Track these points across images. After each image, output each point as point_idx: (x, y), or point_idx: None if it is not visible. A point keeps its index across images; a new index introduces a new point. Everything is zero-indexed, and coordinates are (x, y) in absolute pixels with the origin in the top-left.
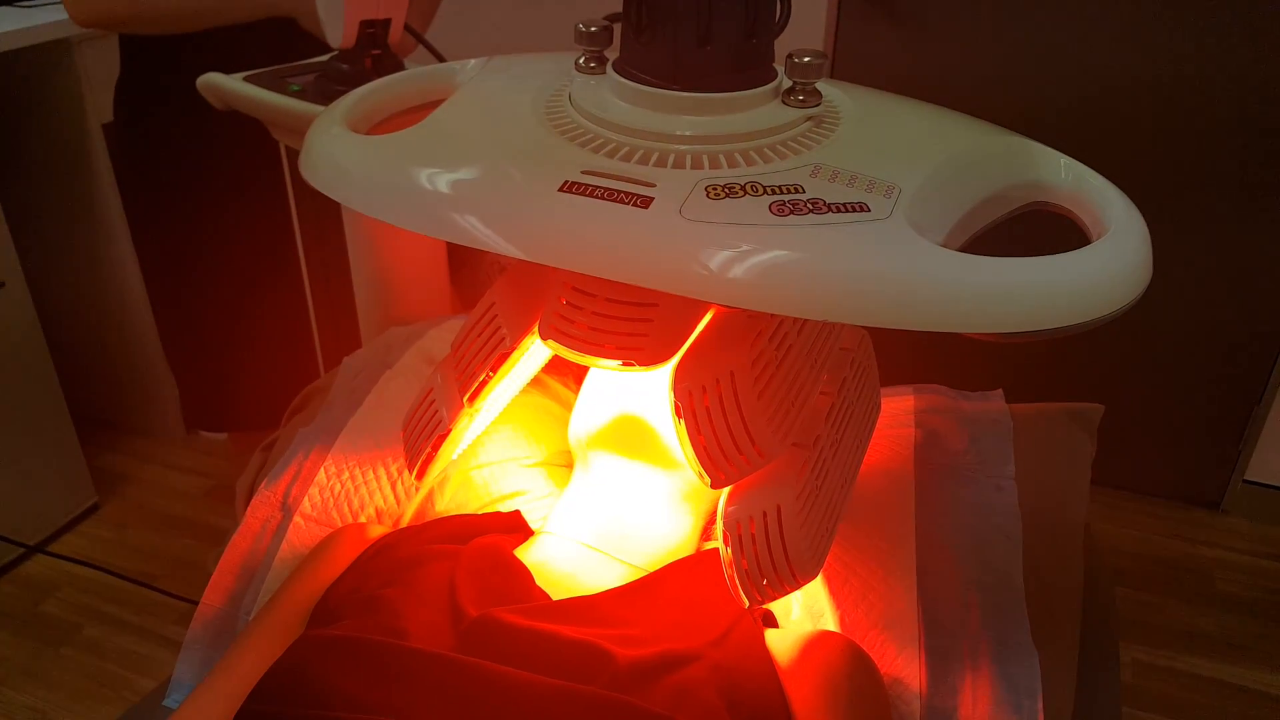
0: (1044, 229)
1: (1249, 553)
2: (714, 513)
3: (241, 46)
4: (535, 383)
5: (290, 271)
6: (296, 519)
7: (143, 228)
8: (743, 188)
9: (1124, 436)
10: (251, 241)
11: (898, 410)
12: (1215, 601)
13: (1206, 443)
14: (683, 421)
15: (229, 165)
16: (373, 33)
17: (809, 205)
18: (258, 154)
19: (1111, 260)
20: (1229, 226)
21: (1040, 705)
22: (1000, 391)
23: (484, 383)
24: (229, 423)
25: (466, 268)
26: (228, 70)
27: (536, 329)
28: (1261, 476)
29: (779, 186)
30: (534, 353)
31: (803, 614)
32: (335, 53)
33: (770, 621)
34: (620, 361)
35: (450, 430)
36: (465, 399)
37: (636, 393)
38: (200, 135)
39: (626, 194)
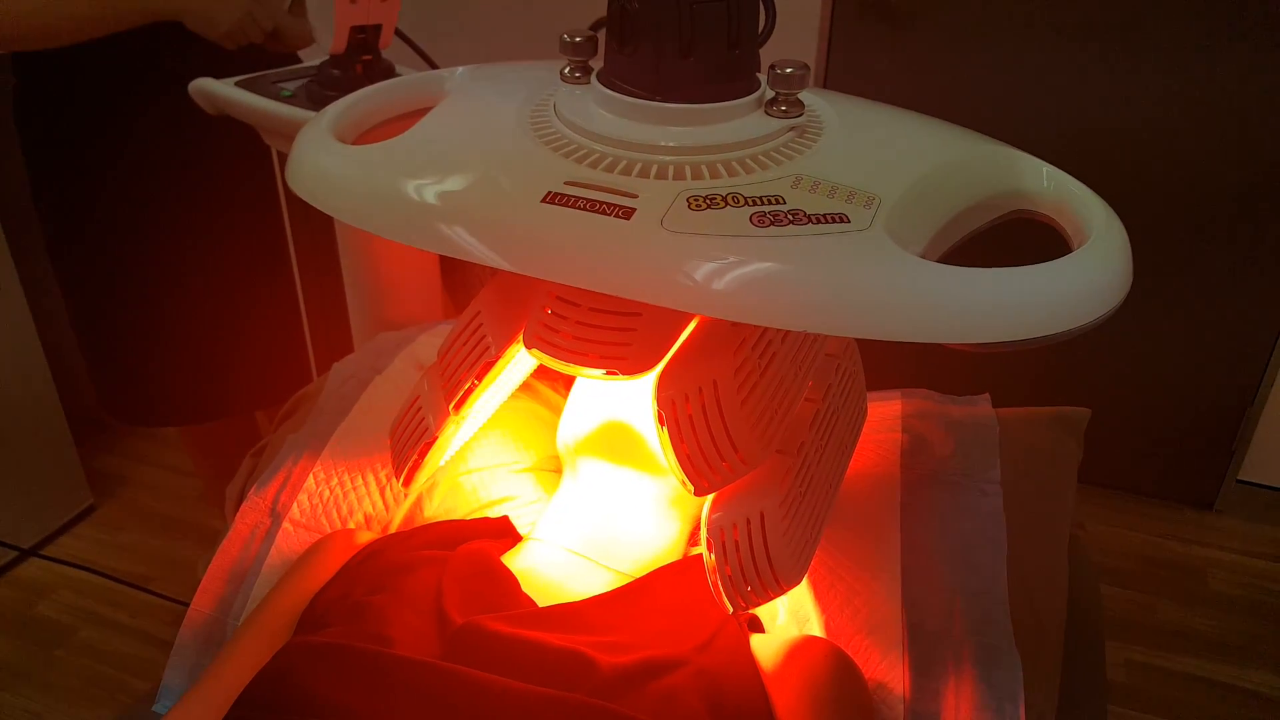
0: (1028, 237)
1: (1242, 552)
2: (701, 518)
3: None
4: (524, 388)
5: (282, 276)
6: (286, 525)
7: (119, 233)
8: (724, 199)
9: (1118, 437)
10: (242, 246)
11: (884, 415)
12: (1209, 601)
13: (1200, 443)
14: (666, 430)
15: (223, 170)
16: (363, 38)
17: (789, 216)
18: (251, 158)
19: (1091, 269)
20: (1223, 227)
21: (1022, 710)
22: (987, 396)
23: (469, 391)
24: (218, 414)
25: (459, 271)
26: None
27: (521, 337)
28: (1255, 476)
29: (760, 198)
30: (520, 361)
31: (788, 619)
32: (326, 59)
33: (756, 626)
34: (604, 371)
35: (436, 437)
36: (451, 407)
37: (624, 399)
38: (191, 140)
39: (609, 205)
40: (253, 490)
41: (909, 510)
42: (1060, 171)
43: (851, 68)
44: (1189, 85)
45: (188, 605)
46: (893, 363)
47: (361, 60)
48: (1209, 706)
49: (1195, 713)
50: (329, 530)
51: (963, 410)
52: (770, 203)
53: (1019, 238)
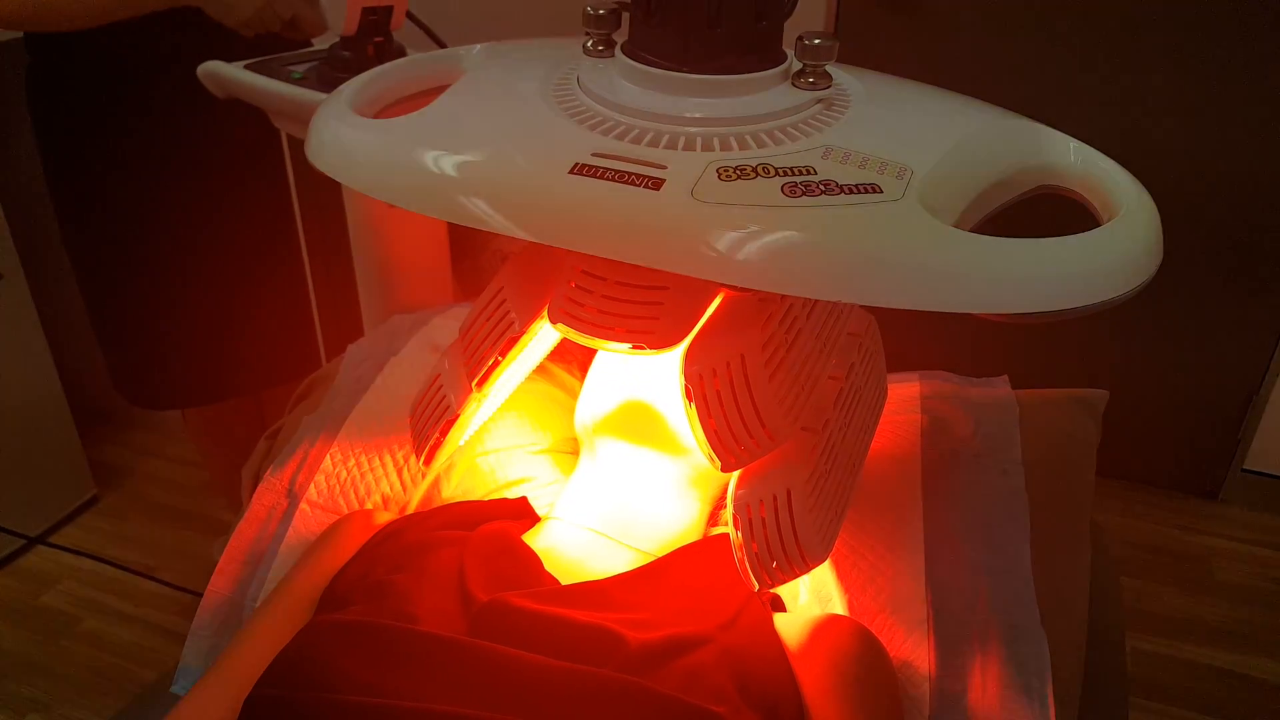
0: (1048, 215)
1: (1247, 541)
2: (721, 498)
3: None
4: (540, 370)
5: (291, 259)
6: (303, 506)
7: (129, 216)
8: (754, 169)
9: (1123, 426)
10: (251, 229)
11: (904, 396)
12: (1214, 590)
13: (1205, 432)
14: (693, 405)
15: (232, 153)
16: (375, 20)
17: (821, 186)
18: (259, 141)
19: (1125, 241)
20: (1229, 213)
21: (1050, 686)
22: (1005, 378)
23: (493, 367)
24: (227, 394)
25: (467, 258)
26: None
27: (545, 313)
28: (1260, 465)
29: (791, 168)
30: (542, 337)
31: (810, 598)
32: (336, 41)
33: (778, 606)
34: (630, 344)
35: (458, 415)
36: (474, 384)
37: (644, 378)
38: (201, 122)
39: (638, 176)
40: (269, 471)
41: (930, 490)
42: (1087, 147)
43: (859, 50)
44: (1199, 63)
45: (193, 594)
46: (908, 346)
47: (373, 42)
48: (1214, 694)
49: (1200, 700)
50: (346, 511)
51: (981, 391)
52: (801, 173)
53: (1039, 215)
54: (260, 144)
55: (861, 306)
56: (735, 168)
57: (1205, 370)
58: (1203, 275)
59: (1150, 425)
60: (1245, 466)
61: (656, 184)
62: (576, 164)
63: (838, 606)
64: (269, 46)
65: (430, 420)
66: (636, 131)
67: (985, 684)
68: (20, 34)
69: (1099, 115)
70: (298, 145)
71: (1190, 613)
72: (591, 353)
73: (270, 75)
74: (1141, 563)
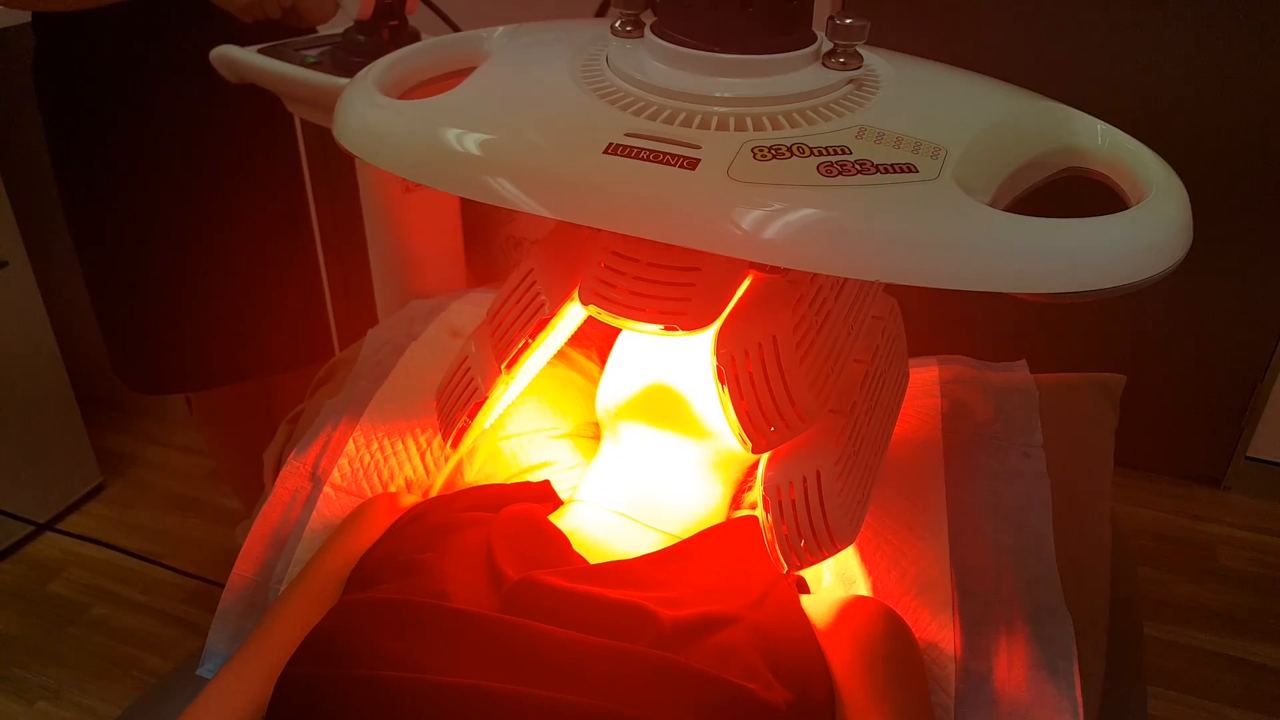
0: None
1: (1251, 529)
2: (743, 482)
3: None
4: (559, 356)
5: (304, 244)
6: (327, 489)
7: (135, 203)
8: (789, 149)
9: (1127, 414)
10: (264, 213)
11: (924, 381)
12: (1218, 577)
13: (1209, 419)
14: (725, 386)
15: (244, 138)
16: (389, 3)
17: (857, 166)
18: (272, 126)
19: (1160, 221)
20: (1231, 205)
21: (1075, 665)
22: (1024, 362)
23: (522, 349)
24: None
25: (480, 245)
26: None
27: (575, 295)
28: (1264, 453)
29: (826, 148)
30: (569, 319)
31: (835, 581)
32: (350, 25)
33: (802, 589)
34: (662, 325)
35: (486, 398)
36: (503, 366)
37: (666, 362)
38: (213, 106)
39: (673, 156)
40: (292, 455)
41: (952, 473)
42: (1114, 129)
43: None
44: (1215, 54)
45: (200, 580)
46: (918, 331)
47: (388, 26)
48: (1219, 680)
49: (1205, 687)
50: (370, 495)
51: (1000, 376)
52: (836, 153)
53: (1060, 196)
54: (273, 128)
55: (884, 290)
56: (770, 147)
57: (1210, 358)
58: (1207, 262)
59: (1155, 413)
60: (1249, 454)
61: (692, 164)
62: (611, 144)
63: (862, 589)
64: (282, 32)
65: (458, 403)
66: (669, 112)
67: (1011, 664)
68: (28, 17)
69: (1112, 94)
70: (311, 130)
71: (1195, 599)
72: (611, 337)
73: (283, 59)
74: (1146, 550)
